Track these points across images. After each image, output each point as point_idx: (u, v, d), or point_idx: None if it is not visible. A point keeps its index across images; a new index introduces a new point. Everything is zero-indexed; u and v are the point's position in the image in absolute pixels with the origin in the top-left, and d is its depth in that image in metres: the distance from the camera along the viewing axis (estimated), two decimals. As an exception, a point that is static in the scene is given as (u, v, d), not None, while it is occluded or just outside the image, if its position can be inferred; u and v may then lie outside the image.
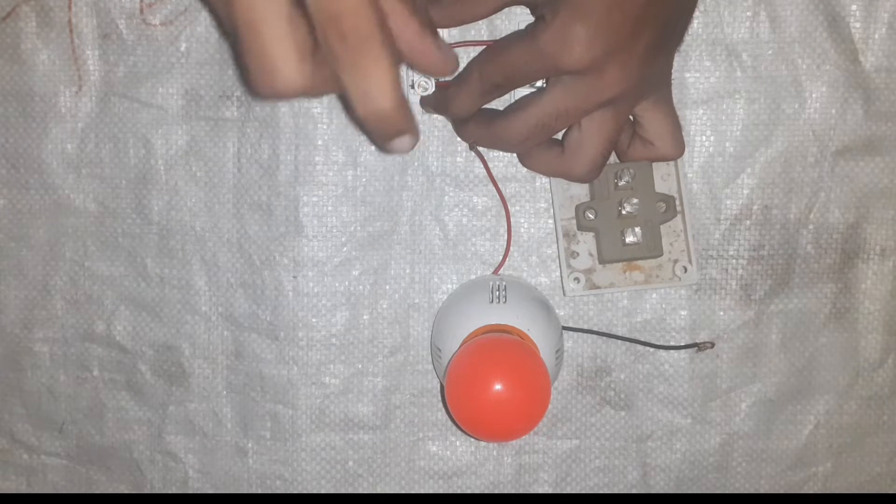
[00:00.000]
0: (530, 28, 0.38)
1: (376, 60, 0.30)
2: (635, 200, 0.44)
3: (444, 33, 0.44)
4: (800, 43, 0.45)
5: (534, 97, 0.39)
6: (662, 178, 0.45)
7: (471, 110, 0.42)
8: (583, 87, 0.37)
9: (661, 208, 0.44)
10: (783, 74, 0.45)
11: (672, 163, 0.45)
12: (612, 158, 0.44)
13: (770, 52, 0.45)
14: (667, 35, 0.39)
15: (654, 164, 0.45)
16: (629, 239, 0.44)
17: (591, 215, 0.44)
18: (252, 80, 0.31)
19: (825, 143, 0.46)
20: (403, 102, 0.32)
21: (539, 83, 0.42)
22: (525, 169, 0.46)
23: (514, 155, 0.46)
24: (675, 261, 0.46)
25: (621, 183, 0.44)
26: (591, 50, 0.36)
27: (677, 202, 0.45)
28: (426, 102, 0.44)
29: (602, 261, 0.45)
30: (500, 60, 0.39)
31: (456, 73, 0.42)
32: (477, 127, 0.42)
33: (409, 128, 0.32)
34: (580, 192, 0.45)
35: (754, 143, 0.46)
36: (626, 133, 0.43)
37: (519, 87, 0.41)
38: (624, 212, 0.44)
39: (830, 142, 0.46)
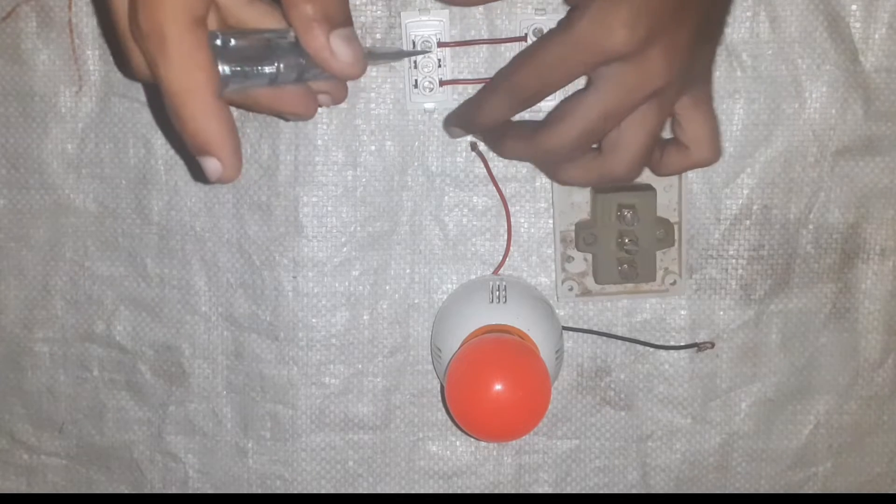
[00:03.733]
0: (563, 22, 0.36)
1: (175, 62, 0.30)
2: (636, 242, 0.44)
3: (446, 32, 0.44)
4: (800, 43, 0.45)
5: (575, 102, 0.37)
6: (665, 189, 0.45)
7: (497, 123, 0.40)
8: (627, 78, 0.35)
9: (660, 235, 0.45)
10: (783, 74, 0.45)
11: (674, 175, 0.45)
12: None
13: (770, 52, 0.45)
14: (709, 23, 0.37)
15: (657, 181, 0.45)
16: (625, 267, 0.45)
17: (590, 240, 0.45)
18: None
19: (825, 143, 0.46)
20: (208, 118, 0.30)
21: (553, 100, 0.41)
22: (525, 169, 0.46)
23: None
24: (666, 269, 0.46)
25: (626, 214, 0.44)
26: (635, 31, 0.34)
27: (675, 230, 0.45)
28: (449, 122, 0.43)
29: (598, 282, 0.46)
30: (533, 64, 0.36)
31: (482, 87, 0.41)
32: (516, 142, 0.40)
33: (214, 151, 0.31)
34: (581, 199, 0.45)
35: (754, 143, 0.46)
36: (657, 146, 0.41)
37: (554, 91, 0.38)
38: (624, 247, 0.44)
39: (830, 142, 0.46)
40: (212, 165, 0.31)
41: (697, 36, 0.36)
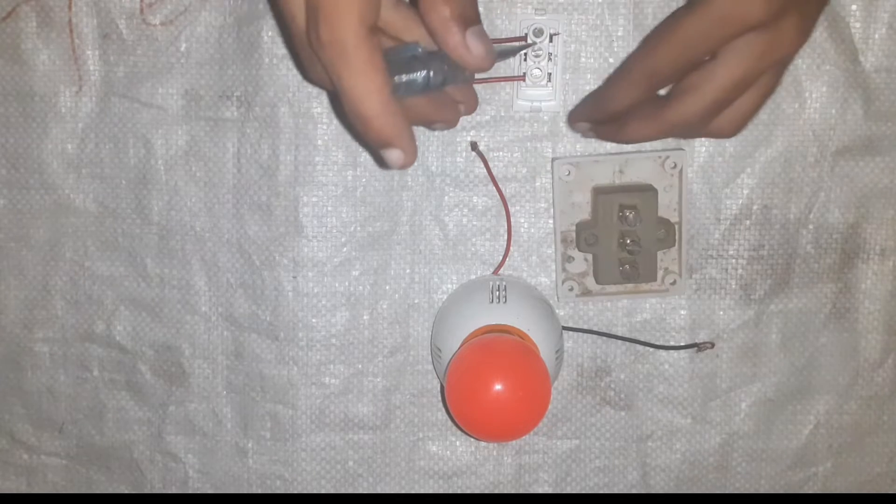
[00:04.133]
0: (692, 2, 0.35)
1: (355, 68, 0.32)
2: (638, 242, 0.44)
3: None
4: (800, 43, 0.45)
5: (702, 74, 0.37)
6: (665, 189, 0.45)
7: (631, 107, 0.40)
8: (759, 48, 0.35)
9: (661, 235, 0.45)
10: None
11: (676, 174, 0.45)
12: (615, 164, 0.44)
13: (770, 52, 0.45)
14: None
15: (658, 180, 0.45)
16: (626, 267, 0.45)
17: (591, 240, 0.45)
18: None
19: (825, 143, 0.46)
20: (388, 114, 0.33)
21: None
22: (525, 168, 0.46)
23: (514, 155, 0.46)
24: (666, 269, 0.46)
25: (628, 215, 0.44)
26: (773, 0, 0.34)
27: (676, 230, 0.45)
28: (575, 118, 0.44)
29: (599, 282, 0.46)
30: (671, 43, 0.36)
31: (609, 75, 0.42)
32: (642, 123, 0.40)
33: (397, 143, 0.34)
34: (582, 199, 0.45)
35: (754, 142, 0.46)
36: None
37: (692, 68, 0.37)
38: (625, 248, 0.45)
39: (830, 142, 0.46)
40: (395, 155, 0.35)
41: (822, 3, 0.36)
